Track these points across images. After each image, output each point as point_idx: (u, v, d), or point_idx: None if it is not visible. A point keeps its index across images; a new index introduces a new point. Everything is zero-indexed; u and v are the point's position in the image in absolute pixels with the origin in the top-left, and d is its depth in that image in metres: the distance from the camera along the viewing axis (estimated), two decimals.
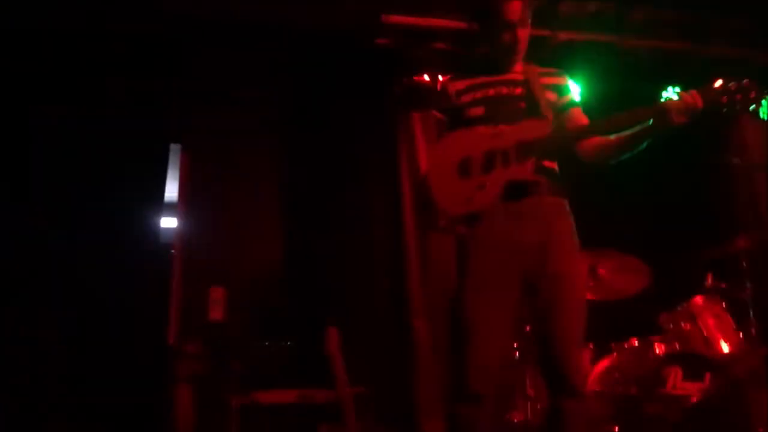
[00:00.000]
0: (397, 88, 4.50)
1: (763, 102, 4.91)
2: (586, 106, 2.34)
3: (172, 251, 4.23)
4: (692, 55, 4.51)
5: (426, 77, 4.46)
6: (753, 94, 1.98)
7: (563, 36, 4.32)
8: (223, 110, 4.36)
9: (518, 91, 2.26)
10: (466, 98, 2.29)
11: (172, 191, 4.27)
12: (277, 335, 3.99)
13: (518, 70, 2.32)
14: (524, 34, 2.24)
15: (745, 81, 1.99)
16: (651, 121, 2.04)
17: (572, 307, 2.10)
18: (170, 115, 4.04)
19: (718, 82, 2.01)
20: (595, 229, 4.39)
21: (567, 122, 2.27)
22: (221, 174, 4.33)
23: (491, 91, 2.27)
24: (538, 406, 3.27)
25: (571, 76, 4.21)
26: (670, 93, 4.28)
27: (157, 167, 3.94)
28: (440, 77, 4.39)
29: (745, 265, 3.54)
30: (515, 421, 3.23)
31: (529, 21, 2.24)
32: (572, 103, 2.31)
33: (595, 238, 4.04)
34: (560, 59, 4.33)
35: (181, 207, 4.24)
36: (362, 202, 4.45)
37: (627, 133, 2.11)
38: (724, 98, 2.01)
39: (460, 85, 2.33)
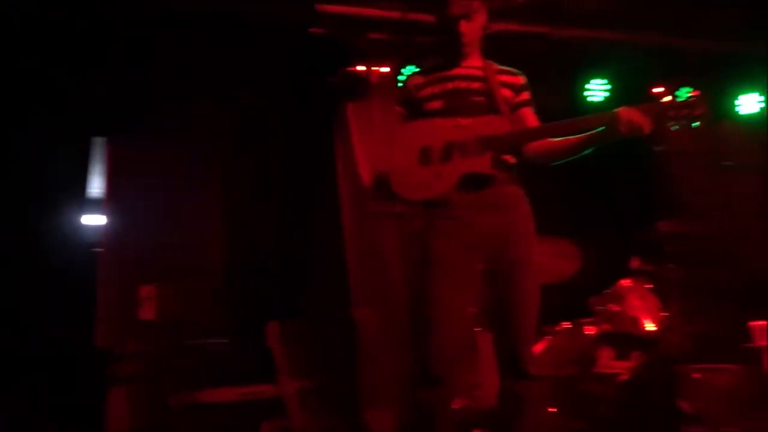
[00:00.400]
0: (333, 78, 4.46)
1: (680, 92, 5.16)
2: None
3: (98, 249, 4.05)
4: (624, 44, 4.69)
5: (361, 67, 4.45)
6: (698, 111, 2.05)
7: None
8: (152, 100, 4.19)
9: (475, 85, 2.29)
10: (425, 93, 2.31)
11: (98, 186, 4.08)
12: (216, 332, 3.90)
13: (476, 65, 2.34)
14: (469, 28, 2.25)
15: (691, 99, 2.09)
16: (603, 128, 2.11)
17: (528, 293, 2.15)
18: (95, 106, 3.84)
19: (667, 98, 2.09)
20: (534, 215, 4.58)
21: (517, 120, 2.32)
22: (150, 168, 4.18)
23: (449, 85, 2.30)
24: (478, 393, 3.35)
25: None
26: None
27: (80, 161, 3.73)
28: (375, 68, 4.47)
29: (668, 247, 3.74)
30: (457, 407, 3.29)
31: (481, 16, 2.27)
32: (525, 103, 2.36)
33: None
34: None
35: (108, 202, 4.06)
36: (302, 193, 4.41)
37: (575, 138, 2.18)
38: (672, 113, 2.08)
39: (419, 80, 2.35)
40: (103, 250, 4.01)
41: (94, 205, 4.20)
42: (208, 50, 4.29)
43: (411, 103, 2.33)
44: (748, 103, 5.18)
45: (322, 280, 4.33)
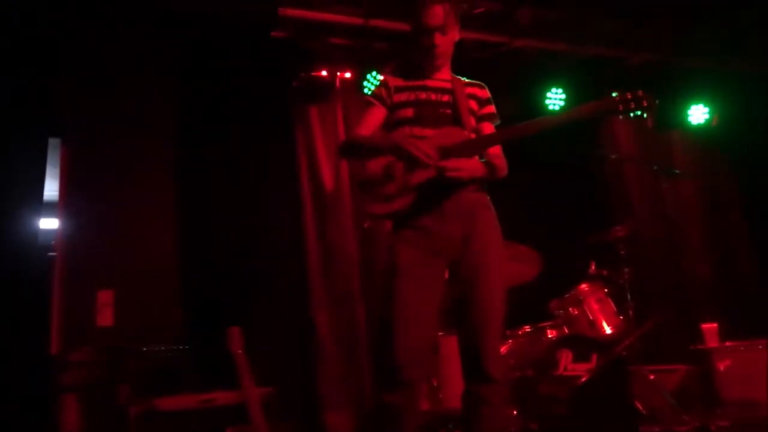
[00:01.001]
0: (295, 82, 4.45)
1: None
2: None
3: (53, 253, 3.92)
4: (572, 55, 4.83)
5: (324, 72, 4.45)
6: (645, 103, 2.18)
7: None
8: (108, 101, 4.09)
9: (445, 98, 2.36)
10: (401, 97, 2.37)
11: (52, 189, 3.95)
12: (174, 338, 3.82)
13: (446, 78, 2.41)
14: (443, 40, 2.30)
15: (639, 91, 2.19)
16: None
17: (490, 297, 2.19)
18: (49, 107, 3.73)
19: (615, 93, 2.20)
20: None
21: (480, 131, 2.41)
22: (106, 169, 4.06)
23: (422, 95, 2.36)
24: (440, 396, 3.38)
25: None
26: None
27: (35, 163, 3.61)
28: (339, 72, 4.48)
29: (622, 252, 3.86)
30: (422, 409, 3.32)
31: (454, 28, 2.31)
32: (487, 117, 2.43)
33: None
34: None
35: (63, 206, 3.93)
36: (261, 196, 4.37)
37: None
38: (621, 107, 2.20)
39: (399, 82, 2.41)
40: (58, 254, 3.88)
41: (51, 209, 4.07)
42: (166, 49, 4.22)
43: (386, 103, 2.38)
44: (698, 114, 5.40)
45: (281, 283, 4.30)
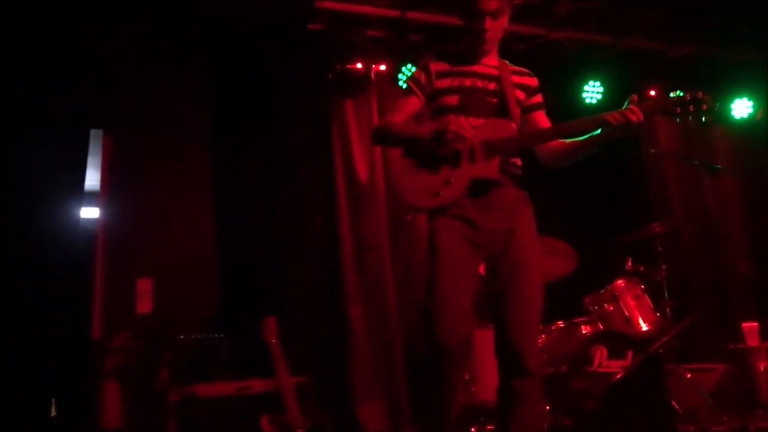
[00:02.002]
0: (331, 75, 4.47)
1: (673, 96, 5.24)
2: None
3: (94, 242, 4.03)
4: (612, 47, 4.74)
5: (359, 65, 4.46)
6: (705, 107, 2.12)
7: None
8: (150, 94, 4.18)
9: (492, 86, 2.30)
10: (444, 83, 2.31)
11: (93, 179, 4.05)
12: (211, 326, 3.90)
13: (493, 64, 2.34)
14: (495, 25, 2.24)
15: (699, 93, 2.13)
16: (599, 130, 2.15)
17: (529, 292, 2.18)
18: (92, 98, 3.82)
19: (674, 93, 2.13)
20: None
21: (529, 123, 2.36)
22: (147, 160, 4.16)
23: (467, 82, 2.30)
24: (473, 389, 3.38)
25: None
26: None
27: (77, 153, 3.71)
28: (374, 65, 4.48)
29: (660, 248, 3.79)
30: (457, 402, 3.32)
31: (505, 14, 2.26)
32: (538, 106, 2.39)
33: None
34: None
35: (104, 195, 4.04)
36: (296, 189, 4.41)
37: (578, 140, 2.23)
38: (679, 108, 2.14)
39: (441, 66, 2.34)
40: (99, 242, 3.98)
41: (92, 198, 4.17)
42: (203, 44, 4.29)
43: (425, 89, 2.32)
44: (741, 108, 5.25)
45: (315, 274, 4.34)
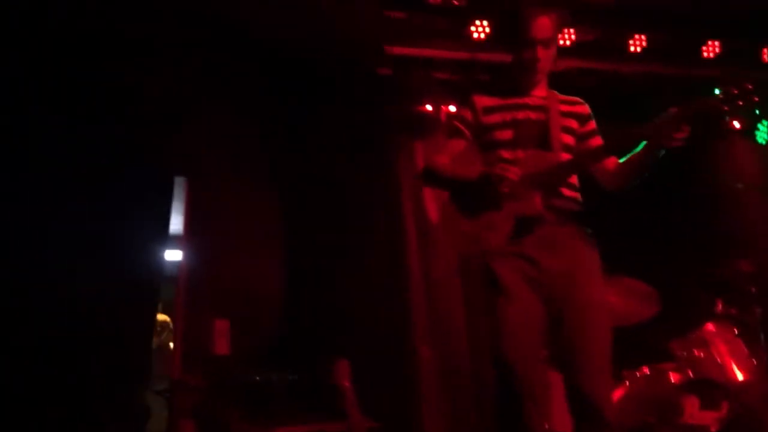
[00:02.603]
0: (400, 116, 4.53)
1: (761, 126, 5.03)
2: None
3: (177, 284, 4.19)
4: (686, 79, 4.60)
5: (429, 106, 4.50)
6: (756, 98, 2.00)
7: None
8: (225, 143, 4.36)
9: (542, 117, 2.25)
10: (495, 118, 2.26)
11: (176, 224, 4.24)
12: (283, 368, 3.93)
13: (542, 95, 2.30)
14: (546, 54, 2.21)
15: (745, 84, 2.01)
16: (645, 142, 2.09)
17: (599, 336, 2.09)
18: (176, 148, 4.03)
19: (718, 90, 2.03)
20: (603, 254, 4.47)
21: (587, 150, 2.29)
22: (224, 206, 4.31)
23: (520, 115, 2.25)
24: None
25: None
26: None
27: (162, 200, 3.90)
28: (442, 106, 4.51)
29: (752, 289, 3.55)
30: None
31: (555, 46, 2.24)
32: (593, 132, 2.32)
33: (605, 264, 4.05)
34: None
35: (186, 239, 4.20)
36: (364, 230, 4.44)
37: (631, 156, 2.16)
38: (726, 107, 2.04)
39: (490, 101, 2.29)
40: (180, 284, 4.14)
41: (174, 242, 4.36)
42: (273, 90, 4.45)
43: (472, 126, 2.28)
44: None
45: (385, 316, 4.32)
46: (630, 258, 4.20)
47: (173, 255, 4.44)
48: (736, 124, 4.85)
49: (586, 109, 2.34)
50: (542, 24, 2.16)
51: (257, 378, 3.69)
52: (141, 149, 3.70)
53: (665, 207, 4.56)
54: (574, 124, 2.28)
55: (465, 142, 2.30)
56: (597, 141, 2.31)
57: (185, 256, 4.17)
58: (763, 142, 4.87)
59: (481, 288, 2.17)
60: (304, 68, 4.41)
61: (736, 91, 2.01)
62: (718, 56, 4.51)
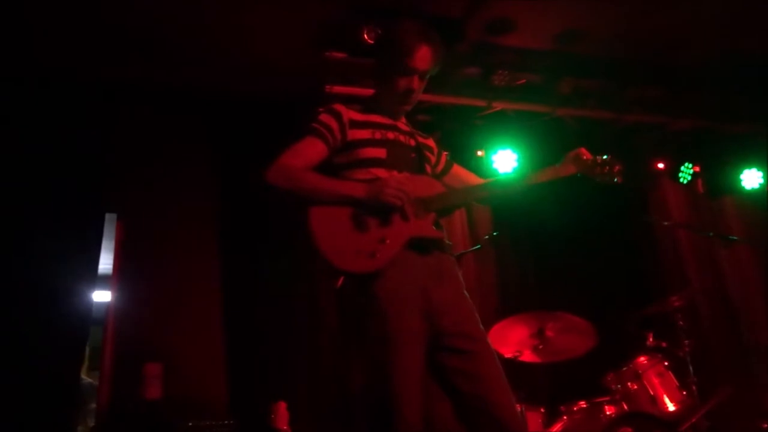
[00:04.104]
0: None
1: (684, 168, 5.28)
2: (522, 174, 2.30)
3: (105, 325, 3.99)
4: (617, 123, 4.82)
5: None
6: (616, 168, 2.13)
7: (497, 106, 4.52)
8: (161, 180, 4.26)
9: (412, 142, 2.19)
10: (364, 134, 2.10)
11: (106, 263, 4.07)
12: (219, 413, 3.78)
13: (404, 122, 2.26)
14: (420, 86, 2.15)
15: (606, 156, 2.14)
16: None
17: (499, 368, 1.99)
18: (107, 184, 3.90)
19: (587, 155, 2.13)
20: (541, 291, 4.56)
21: (454, 179, 2.29)
22: (158, 245, 4.18)
23: (390, 135, 2.14)
24: None
25: (507, 145, 4.51)
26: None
27: (91, 238, 3.74)
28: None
29: (681, 323, 3.69)
30: None
31: (427, 78, 2.17)
32: (451, 162, 2.34)
33: (542, 300, 4.14)
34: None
35: (116, 279, 4.03)
36: (304, 271, 4.37)
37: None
38: (597, 169, 2.13)
39: (357, 116, 2.13)
40: (109, 326, 3.95)
41: (104, 282, 4.17)
42: (213, 129, 4.41)
43: (336, 137, 2.08)
44: (752, 178, 5.25)
45: (325, 358, 4.24)
46: (568, 294, 4.32)
47: (102, 296, 4.25)
48: (660, 166, 5.11)
49: (433, 141, 2.33)
50: (425, 55, 2.09)
51: (190, 424, 3.52)
52: (70, 182, 3.55)
53: (601, 244, 4.72)
54: (431, 156, 2.27)
55: (326, 150, 2.08)
56: (460, 169, 2.34)
57: (115, 296, 3.99)
58: (686, 183, 5.13)
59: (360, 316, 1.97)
60: (246, 111, 4.40)
61: (599, 160, 2.13)
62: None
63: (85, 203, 3.75)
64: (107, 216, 3.98)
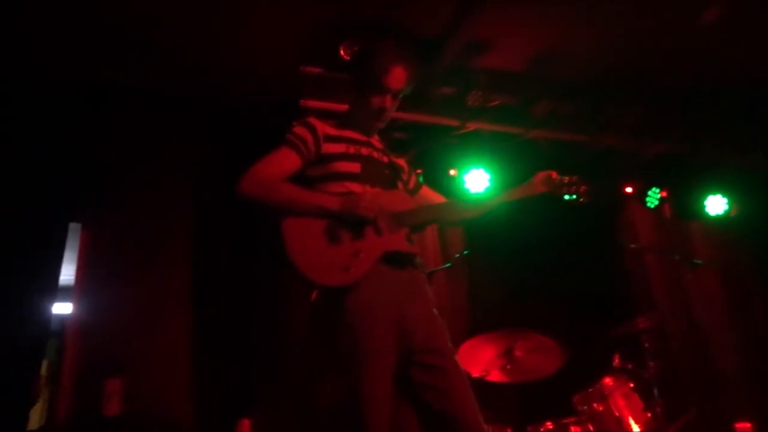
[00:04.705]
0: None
1: (651, 192, 5.36)
2: (493, 193, 2.40)
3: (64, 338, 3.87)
4: (588, 146, 4.89)
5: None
6: (583, 188, 2.23)
7: (471, 126, 4.55)
8: (128, 188, 4.17)
9: (385, 159, 2.22)
10: (338, 148, 2.12)
11: (68, 274, 3.95)
12: (183, 430, 3.69)
13: (378, 139, 2.29)
14: (393, 105, 2.18)
15: (574, 177, 2.24)
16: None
17: (465, 379, 2.01)
18: (71, 192, 3.80)
19: (555, 175, 2.22)
20: (511, 310, 4.56)
21: (422, 200, 2.32)
22: (123, 256, 4.08)
23: (364, 150, 2.17)
24: None
25: (480, 165, 4.54)
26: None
27: (54, 248, 3.64)
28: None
29: (647, 345, 3.72)
30: None
31: (401, 96, 2.19)
32: (420, 183, 2.38)
33: (512, 319, 4.14)
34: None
35: (78, 291, 3.92)
36: (275, 284, 4.32)
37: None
38: (564, 189, 2.23)
39: (331, 130, 2.16)
40: (68, 339, 3.83)
41: (66, 293, 4.06)
42: (185, 137, 4.35)
43: (311, 150, 2.09)
44: (716, 204, 5.37)
45: (296, 375, 4.17)
46: (538, 313, 4.33)
47: (62, 308, 4.13)
48: (629, 189, 5.19)
49: (404, 161, 2.37)
50: (399, 74, 2.12)
51: None
52: (31, 188, 3.45)
53: (571, 265, 4.75)
54: (403, 176, 2.30)
55: (299, 162, 2.08)
56: (428, 190, 2.38)
57: (76, 308, 3.88)
58: (653, 207, 5.22)
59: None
60: (220, 117, 4.36)
61: (567, 180, 2.24)
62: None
63: (48, 211, 3.64)
64: (71, 225, 3.86)
